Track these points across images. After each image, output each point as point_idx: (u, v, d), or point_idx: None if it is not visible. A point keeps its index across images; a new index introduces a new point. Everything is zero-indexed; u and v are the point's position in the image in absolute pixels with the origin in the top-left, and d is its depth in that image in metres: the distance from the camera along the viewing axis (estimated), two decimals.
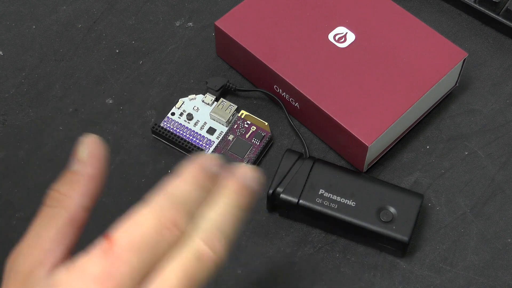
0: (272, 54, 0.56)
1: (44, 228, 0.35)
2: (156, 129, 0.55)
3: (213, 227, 0.35)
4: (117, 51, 0.61)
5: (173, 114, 0.57)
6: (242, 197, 0.36)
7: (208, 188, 0.36)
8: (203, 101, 0.57)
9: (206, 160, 0.36)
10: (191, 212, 0.35)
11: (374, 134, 0.52)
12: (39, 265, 0.34)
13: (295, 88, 0.54)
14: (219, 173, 0.36)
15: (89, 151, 0.36)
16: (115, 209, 0.53)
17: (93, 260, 0.33)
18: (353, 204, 0.51)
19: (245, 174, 0.37)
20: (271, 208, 0.53)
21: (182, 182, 0.35)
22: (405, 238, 0.49)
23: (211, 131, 0.56)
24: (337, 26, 0.57)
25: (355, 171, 0.54)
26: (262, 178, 0.37)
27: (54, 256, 0.34)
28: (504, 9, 0.61)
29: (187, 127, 0.56)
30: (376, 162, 0.55)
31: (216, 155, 0.37)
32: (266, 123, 0.56)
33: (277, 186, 0.51)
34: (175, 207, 0.34)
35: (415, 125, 0.57)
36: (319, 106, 0.53)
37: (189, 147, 0.54)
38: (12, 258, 0.35)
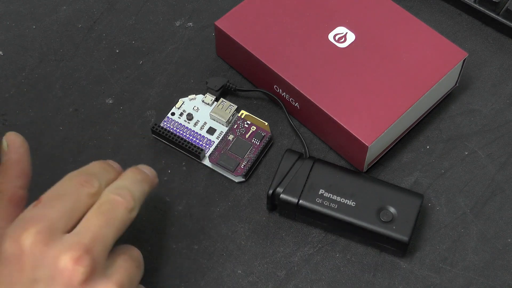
0: (272, 54, 0.56)
1: None
2: (156, 129, 0.55)
3: (119, 185, 0.44)
4: (117, 51, 0.61)
5: (173, 114, 0.57)
6: (141, 175, 0.46)
7: (110, 171, 0.45)
8: (203, 101, 0.57)
9: (104, 160, 0.46)
10: (99, 178, 0.43)
11: (374, 134, 0.52)
12: None
13: (295, 88, 0.54)
14: (116, 166, 0.47)
15: (8, 142, 0.45)
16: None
17: (25, 211, 0.41)
18: (353, 204, 0.51)
19: (140, 165, 0.47)
20: (271, 208, 0.53)
21: (89, 165, 0.45)
22: (405, 238, 0.49)
23: (211, 131, 0.56)
24: (337, 26, 0.57)
25: (355, 171, 0.54)
26: (152, 170, 0.48)
27: (3, 229, 0.41)
28: (504, 9, 0.61)
29: (187, 127, 0.56)
30: (376, 162, 0.55)
31: (110, 160, 0.47)
32: (266, 123, 0.56)
33: (277, 186, 0.51)
34: (84, 174, 0.43)
35: (415, 125, 0.57)
36: (319, 106, 0.53)
37: (189, 147, 0.54)
38: None
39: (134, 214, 0.43)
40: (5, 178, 0.45)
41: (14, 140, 0.46)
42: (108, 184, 0.44)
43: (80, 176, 0.43)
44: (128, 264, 0.42)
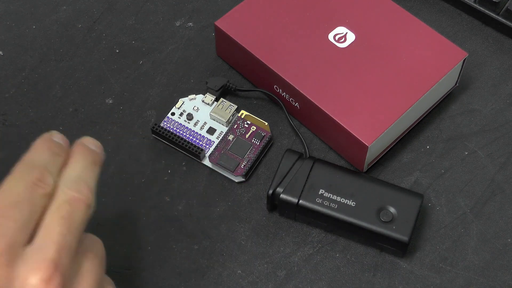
0: (272, 54, 0.56)
1: None
2: (156, 129, 0.55)
3: (74, 178, 0.40)
4: (117, 51, 0.61)
5: (173, 114, 0.57)
6: (91, 156, 0.42)
7: (59, 153, 0.41)
8: (203, 101, 0.57)
9: (48, 135, 0.42)
10: (52, 171, 0.39)
11: (374, 134, 0.52)
12: None
13: (295, 88, 0.54)
14: (64, 142, 0.42)
15: None
16: (115, 209, 0.53)
17: None
18: (353, 204, 0.51)
19: (86, 141, 0.43)
20: (271, 208, 0.53)
21: (36, 151, 0.40)
22: (405, 238, 0.49)
23: (211, 131, 0.56)
24: (337, 26, 0.57)
25: (355, 171, 0.54)
26: (98, 144, 0.44)
27: None
28: (504, 9, 0.61)
29: (187, 127, 0.56)
30: (376, 162, 0.55)
31: (53, 132, 0.43)
32: (266, 123, 0.56)
33: (277, 186, 0.51)
34: (36, 168, 0.39)
35: (415, 125, 0.57)
36: (319, 106, 0.53)
37: (189, 147, 0.54)
38: None
39: (93, 208, 0.40)
40: None
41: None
42: (58, 172, 0.40)
43: (31, 172, 0.39)
44: (95, 266, 0.40)
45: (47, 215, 0.38)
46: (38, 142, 0.41)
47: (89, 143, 0.43)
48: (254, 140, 0.55)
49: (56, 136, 0.42)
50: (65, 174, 0.40)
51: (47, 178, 0.39)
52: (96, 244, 0.41)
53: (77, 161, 0.41)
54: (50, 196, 0.39)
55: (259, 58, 0.55)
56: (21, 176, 0.39)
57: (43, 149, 0.41)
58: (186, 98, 0.57)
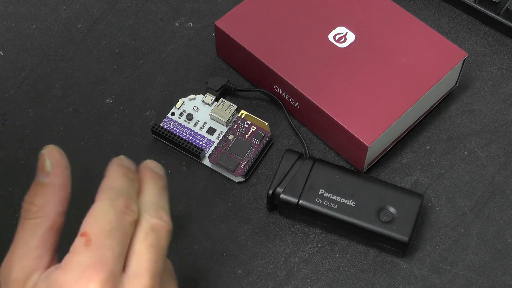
0: (272, 54, 0.56)
1: (28, 238, 0.39)
2: (156, 129, 0.55)
3: (153, 204, 0.41)
4: (117, 51, 0.61)
5: (173, 114, 0.57)
6: (161, 180, 0.43)
7: (134, 179, 0.42)
8: (203, 101, 0.57)
9: (119, 160, 0.42)
10: (133, 197, 0.40)
11: (374, 134, 0.52)
12: (33, 271, 0.38)
13: (295, 88, 0.54)
14: (134, 167, 0.43)
15: (53, 162, 0.40)
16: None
17: (79, 253, 0.37)
18: (353, 204, 0.51)
19: (151, 165, 0.44)
20: (271, 208, 0.53)
21: (116, 179, 0.41)
22: (405, 238, 0.49)
23: (211, 131, 0.56)
24: (337, 26, 0.57)
25: (355, 171, 0.54)
26: (161, 167, 0.44)
27: (43, 260, 0.39)
28: (504, 9, 0.61)
29: (187, 127, 0.56)
30: (376, 162, 0.55)
31: (122, 156, 0.44)
32: (266, 123, 0.56)
33: (277, 186, 0.51)
34: (121, 195, 0.39)
35: (415, 125, 0.57)
36: (319, 106, 0.53)
37: (189, 147, 0.54)
38: (4, 268, 0.39)
39: (171, 232, 0.41)
40: (48, 203, 0.40)
41: (59, 161, 0.41)
42: (137, 198, 0.41)
43: (118, 200, 0.39)
44: (174, 286, 0.42)
45: (136, 242, 0.39)
46: (113, 168, 0.42)
47: (155, 167, 0.44)
48: (254, 140, 0.55)
49: (126, 161, 0.43)
50: (144, 200, 0.41)
51: (132, 205, 0.40)
52: (168, 264, 0.42)
53: (151, 187, 0.42)
54: (135, 223, 0.40)
55: (259, 58, 0.55)
56: (109, 203, 0.39)
57: (120, 175, 0.41)
58: (186, 98, 0.57)
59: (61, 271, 0.37)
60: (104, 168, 0.44)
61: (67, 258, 0.37)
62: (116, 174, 0.41)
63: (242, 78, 0.60)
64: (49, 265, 0.39)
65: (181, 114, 0.57)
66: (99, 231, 0.38)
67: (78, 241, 0.37)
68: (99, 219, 0.38)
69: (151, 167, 0.44)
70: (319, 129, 0.56)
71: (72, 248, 0.37)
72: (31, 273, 0.38)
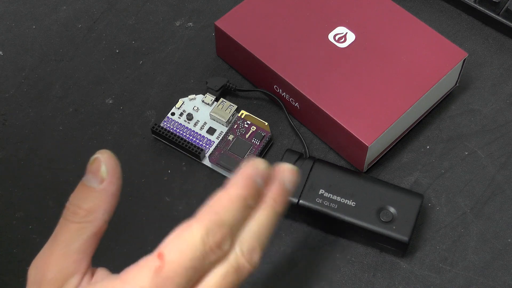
0: (272, 54, 0.56)
1: (71, 240, 0.38)
2: (156, 129, 0.55)
3: (253, 239, 0.37)
4: (117, 51, 0.61)
5: (173, 114, 0.57)
6: (281, 206, 0.38)
7: (253, 205, 0.38)
8: (203, 101, 0.57)
9: (255, 172, 0.38)
10: (235, 231, 0.37)
11: (374, 134, 0.52)
12: (71, 274, 0.37)
13: (295, 88, 0.54)
14: (262, 186, 0.38)
15: (109, 169, 0.39)
16: (115, 209, 0.52)
17: (145, 274, 0.35)
18: (353, 204, 0.51)
19: (284, 177, 0.39)
20: None
21: (230, 203, 0.37)
22: (405, 238, 0.49)
23: (211, 131, 0.56)
24: (337, 26, 0.57)
25: (355, 171, 0.54)
26: (296, 171, 0.39)
27: (82, 265, 0.38)
28: (504, 9, 0.61)
29: (187, 127, 0.56)
30: (376, 162, 0.55)
31: (262, 161, 0.38)
32: (266, 123, 0.56)
33: None
34: (221, 231, 0.36)
35: (415, 125, 0.57)
36: (319, 106, 0.53)
37: (189, 147, 0.54)
38: (38, 266, 0.38)
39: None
40: (97, 209, 0.39)
41: (115, 169, 0.39)
42: (241, 226, 0.37)
43: (215, 234, 0.36)
44: None
45: (211, 276, 0.37)
46: (238, 186, 0.38)
47: (287, 179, 0.39)
48: (254, 140, 0.55)
49: (262, 174, 0.38)
50: (247, 229, 0.38)
51: (226, 243, 0.36)
52: None
53: (263, 215, 0.38)
54: (220, 259, 0.37)
55: (259, 58, 0.55)
56: (203, 236, 0.36)
57: (238, 201, 0.37)
58: (186, 98, 0.57)
59: (120, 282, 0.36)
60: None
61: (130, 272, 0.36)
62: (233, 197, 0.37)
63: (242, 78, 0.60)
64: (86, 271, 0.38)
65: (181, 114, 0.57)
66: (175, 264, 0.35)
67: (151, 262, 0.36)
68: (183, 250, 0.36)
69: (281, 182, 0.39)
70: (319, 129, 0.56)
71: (141, 263, 0.36)
72: (70, 276, 0.37)
